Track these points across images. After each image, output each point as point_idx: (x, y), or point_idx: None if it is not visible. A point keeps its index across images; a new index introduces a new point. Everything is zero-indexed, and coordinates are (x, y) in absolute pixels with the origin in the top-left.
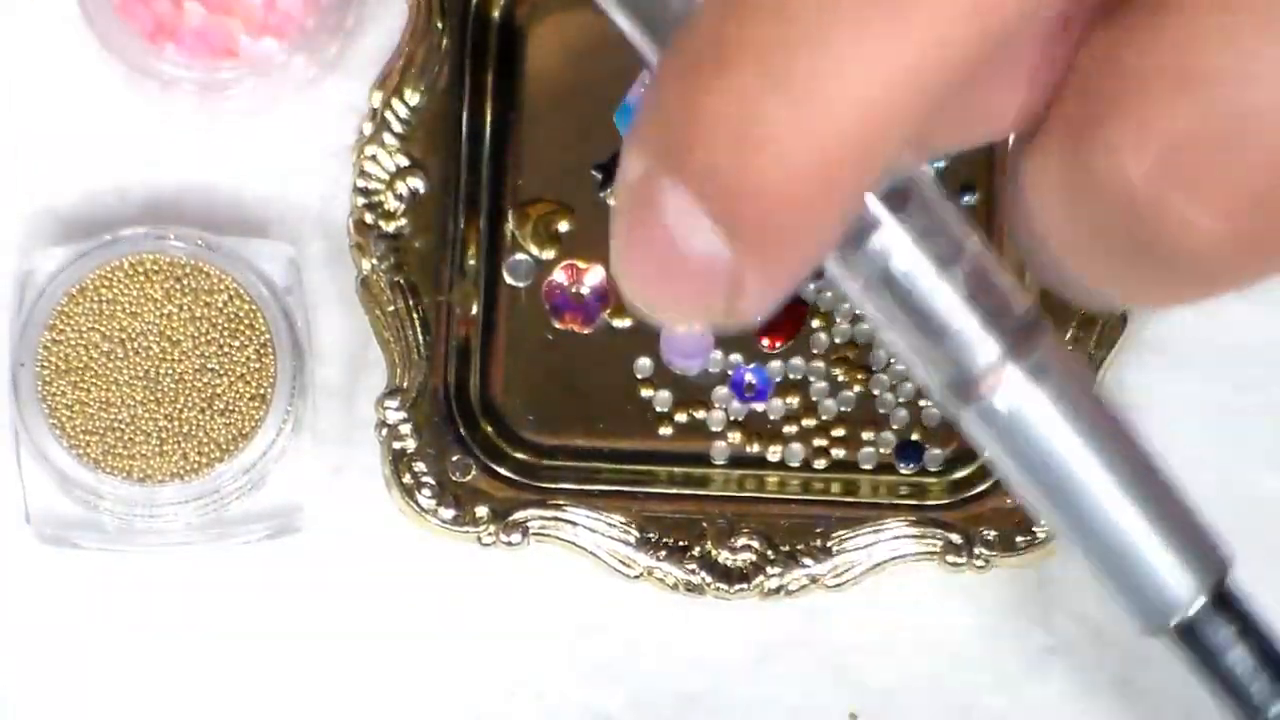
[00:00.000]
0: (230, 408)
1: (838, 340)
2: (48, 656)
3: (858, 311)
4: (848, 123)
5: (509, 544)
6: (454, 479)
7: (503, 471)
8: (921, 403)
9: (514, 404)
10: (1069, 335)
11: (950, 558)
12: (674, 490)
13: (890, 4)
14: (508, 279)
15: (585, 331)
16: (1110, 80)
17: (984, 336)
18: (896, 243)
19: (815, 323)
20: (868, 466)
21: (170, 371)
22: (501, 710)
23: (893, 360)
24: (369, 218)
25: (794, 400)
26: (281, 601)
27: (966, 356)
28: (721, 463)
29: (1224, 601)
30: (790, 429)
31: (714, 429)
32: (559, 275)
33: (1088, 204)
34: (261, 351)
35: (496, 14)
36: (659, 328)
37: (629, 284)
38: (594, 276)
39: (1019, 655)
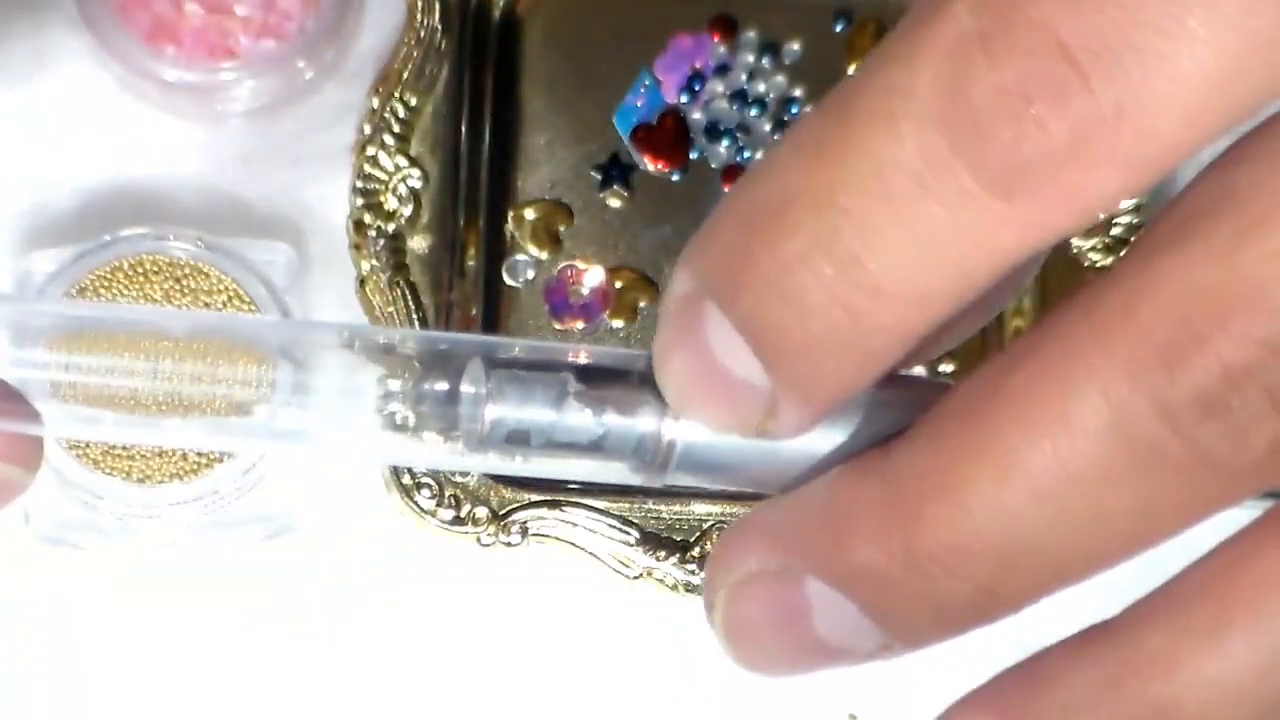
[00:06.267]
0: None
1: None
2: (48, 656)
3: None
4: (891, 302)
5: (509, 544)
6: (453, 479)
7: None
8: None
9: None
10: None
11: None
12: (674, 490)
13: (941, 218)
14: (508, 279)
15: (585, 331)
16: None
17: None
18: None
19: None
20: None
21: None
22: (501, 710)
23: None
24: (368, 218)
25: None
26: (281, 602)
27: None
28: None
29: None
30: None
31: None
32: (559, 276)
33: None
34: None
35: (496, 14)
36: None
37: (669, 386)
38: (594, 276)
39: (1020, 654)
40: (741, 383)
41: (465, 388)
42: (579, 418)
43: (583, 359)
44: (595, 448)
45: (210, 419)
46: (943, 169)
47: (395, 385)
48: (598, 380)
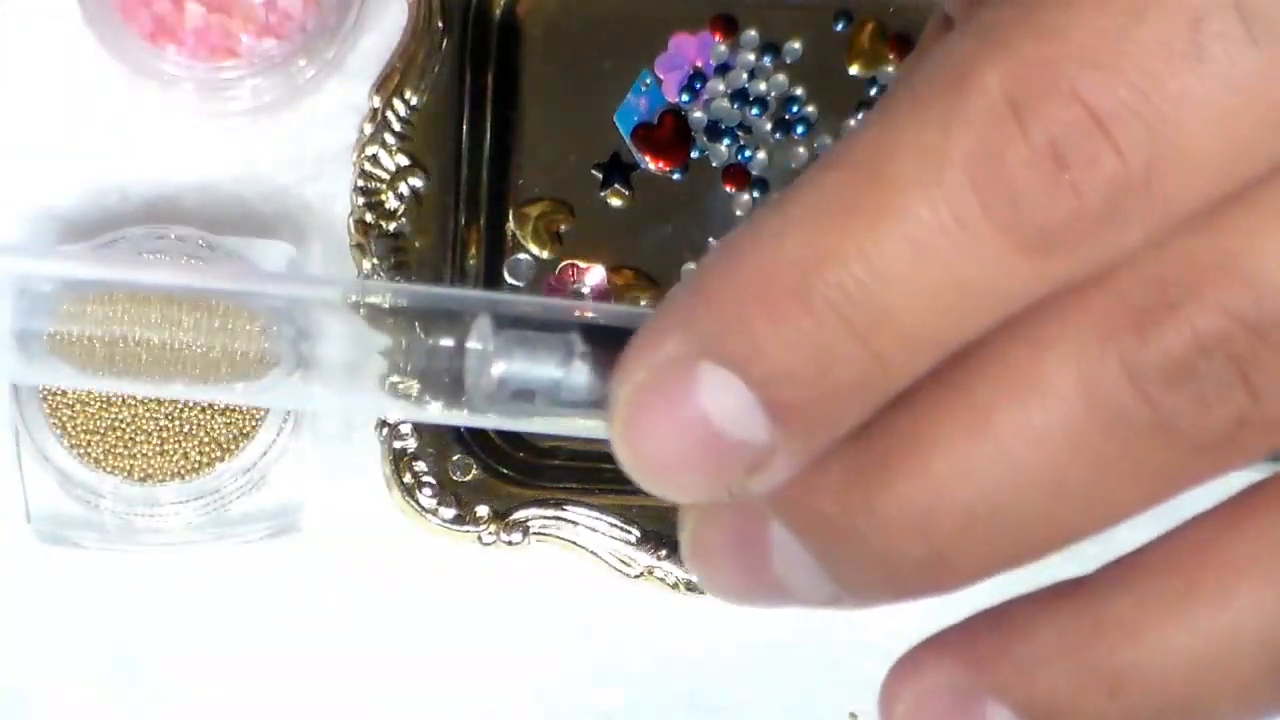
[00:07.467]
0: (231, 407)
1: None
2: (48, 655)
3: None
4: (924, 350)
5: (509, 543)
6: (454, 478)
7: (503, 471)
8: None
9: None
10: None
11: None
12: None
13: (976, 277)
14: (508, 279)
15: None
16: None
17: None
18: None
19: None
20: None
21: None
22: (501, 710)
23: None
24: (369, 217)
25: None
26: (281, 601)
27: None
28: None
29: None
30: None
31: None
32: (559, 275)
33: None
34: None
35: (497, 14)
36: None
37: (640, 465)
38: (594, 276)
39: None
40: (734, 444)
41: (472, 344)
42: (584, 377)
43: (589, 318)
44: (599, 406)
45: (221, 378)
46: (979, 234)
47: (402, 342)
48: (603, 340)
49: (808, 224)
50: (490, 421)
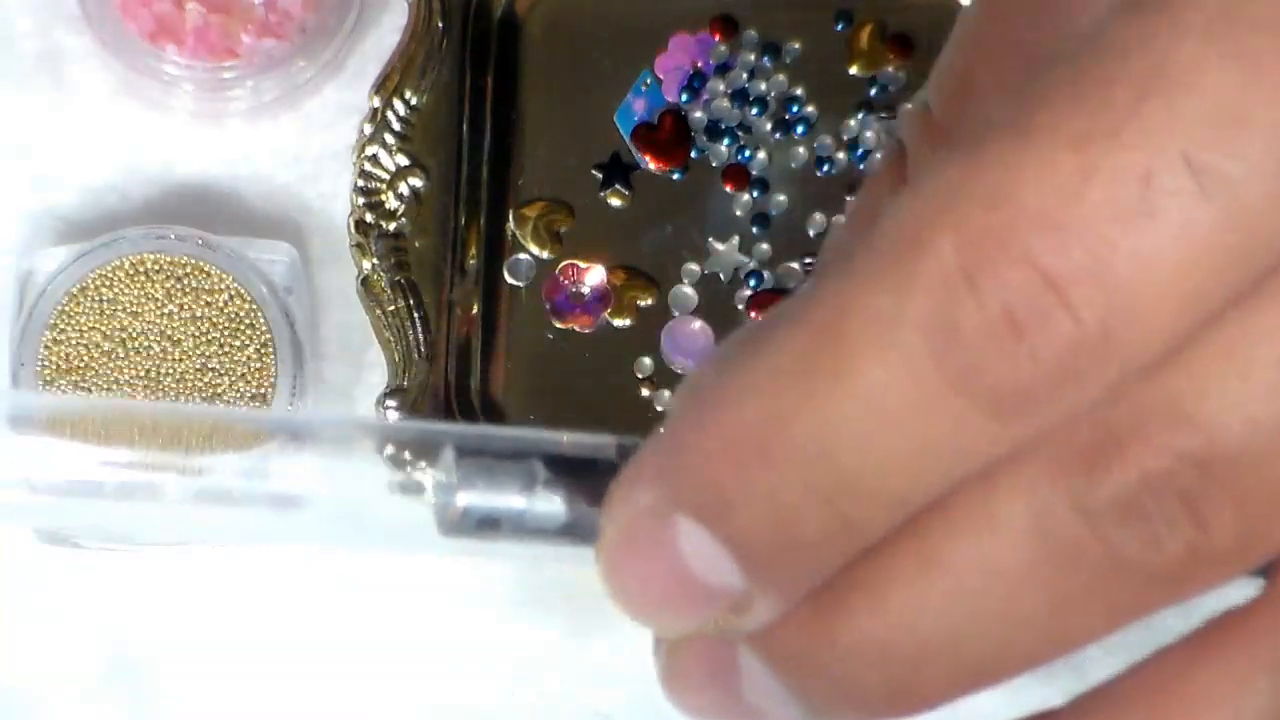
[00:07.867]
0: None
1: None
2: (48, 655)
3: None
4: (886, 508)
5: None
6: None
7: None
8: None
9: (514, 403)
10: None
11: None
12: None
13: (936, 440)
14: (508, 279)
15: (585, 331)
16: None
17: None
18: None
19: None
20: None
21: (171, 371)
22: (502, 710)
23: None
24: (369, 217)
25: None
26: (282, 602)
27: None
28: None
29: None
30: None
31: None
32: (559, 275)
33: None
34: (262, 351)
35: (497, 14)
36: (660, 329)
37: (625, 601)
38: (594, 276)
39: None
40: (714, 588)
41: (438, 476)
42: (547, 505)
43: (551, 448)
44: (565, 533)
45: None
46: (937, 398)
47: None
48: (566, 468)
49: (768, 385)
50: (462, 548)
